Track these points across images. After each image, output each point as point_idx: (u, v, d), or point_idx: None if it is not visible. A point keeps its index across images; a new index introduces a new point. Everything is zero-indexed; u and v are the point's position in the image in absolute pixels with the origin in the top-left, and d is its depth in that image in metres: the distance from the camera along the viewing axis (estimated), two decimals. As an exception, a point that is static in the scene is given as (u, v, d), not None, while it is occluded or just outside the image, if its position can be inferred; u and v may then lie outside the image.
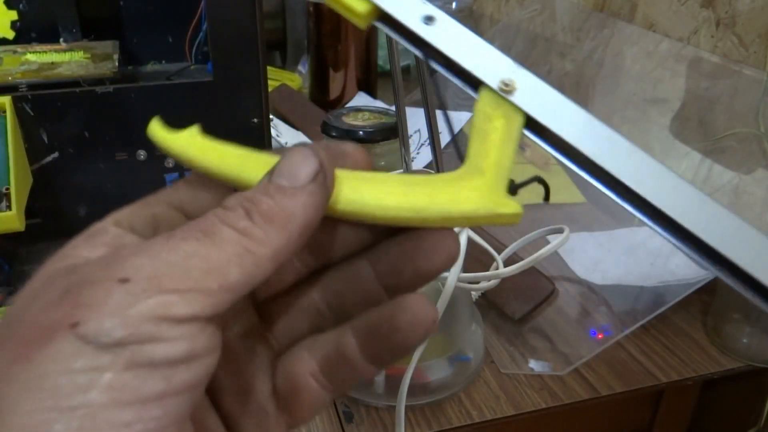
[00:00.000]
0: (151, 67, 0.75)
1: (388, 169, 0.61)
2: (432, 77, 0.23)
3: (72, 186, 0.65)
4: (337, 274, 0.22)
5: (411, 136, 0.81)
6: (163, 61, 0.76)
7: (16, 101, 0.60)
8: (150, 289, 0.15)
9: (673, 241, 0.19)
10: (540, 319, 0.62)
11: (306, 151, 0.18)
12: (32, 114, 0.61)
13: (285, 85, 1.09)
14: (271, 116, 0.76)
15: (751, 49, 0.71)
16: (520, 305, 0.62)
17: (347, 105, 1.04)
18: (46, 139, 0.63)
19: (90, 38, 0.71)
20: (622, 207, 0.20)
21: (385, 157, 0.65)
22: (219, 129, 0.75)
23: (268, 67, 0.68)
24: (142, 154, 0.66)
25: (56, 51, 0.67)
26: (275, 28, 1.17)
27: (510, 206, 0.20)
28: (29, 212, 0.60)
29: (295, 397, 0.21)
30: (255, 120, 0.68)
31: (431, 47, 0.21)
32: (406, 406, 0.48)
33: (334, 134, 0.64)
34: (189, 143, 0.20)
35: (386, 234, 0.21)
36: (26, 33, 0.70)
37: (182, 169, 0.68)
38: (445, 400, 0.53)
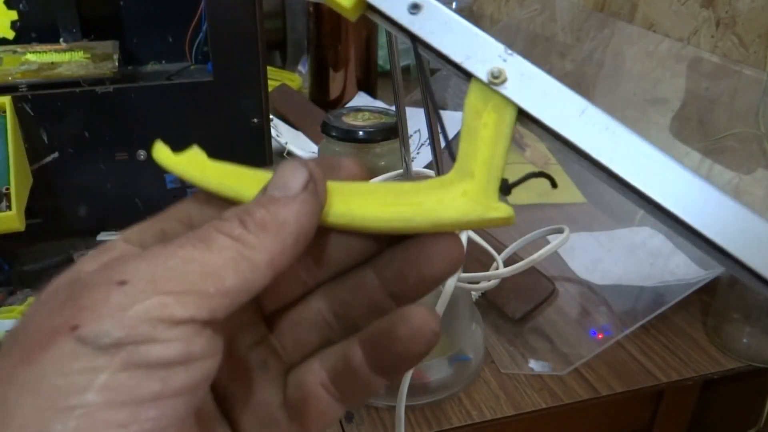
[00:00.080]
0: (151, 67, 0.75)
1: (388, 169, 0.61)
2: (424, 75, 0.22)
3: (72, 186, 0.65)
4: (343, 284, 0.22)
5: (411, 136, 0.81)
6: (163, 61, 0.76)
7: (16, 101, 0.60)
8: (147, 290, 0.16)
9: (681, 234, 0.18)
10: (540, 319, 0.62)
11: (296, 164, 0.19)
12: (32, 114, 0.61)
13: (285, 85, 1.09)
14: (271, 116, 0.76)
15: (751, 49, 0.71)
16: (520, 305, 0.62)
17: (347, 105, 1.04)
18: (46, 139, 0.63)
19: (90, 38, 0.71)
20: (623, 203, 0.19)
21: (385, 157, 0.65)
22: (219, 129, 0.76)
23: (268, 67, 0.68)
24: (142, 154, 0.66)
25: (56, 51, 0.67)
26: (275, 28, 1.17)
27: (500, 210, 0.19)
28: (29, 212, 0.60)
29: (305, 407, 0.21)
30: (255, 120, 0.68)
31: (419, 38, 0.20)
32: (406, 406, 0.48)
33: (334, 134, 0.64)
34: (191, 164, 0.21)
35: (390, 242, 0.21)
36: (26, 33, 0.70)
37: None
38: (445, 400, 0.53)
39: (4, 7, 0.68)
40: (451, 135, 0.22)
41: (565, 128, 0.19)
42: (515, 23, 1.06)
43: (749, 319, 0.59)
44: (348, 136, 0.64)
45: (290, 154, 0.86)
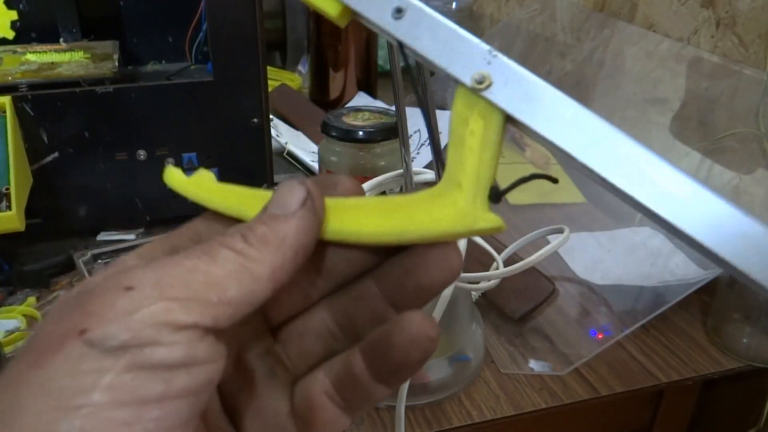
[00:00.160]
0: (151, 67, 0.75)
1: (388, 169, 0.61)
2: (417, 76, 0.22)
3: (72, 186, 0.65)
4: (346, 295, 0.22)
5: (411, 136, 0.81)
6: (163, 61, 0.76)
7: (16, 101, 0.60)
8: (153, 296, 0.17)
9: (675, 235, 0.18)
10: (540, 319, 0.62)
11: (294, 183, 0.20)
12: (32, 114, 0.61)
13: (285, 85, 1.09)
14: (271, 116, 0.76)
15: (751, 49, 0.71)
16: (520, 305, 0.62)
17: (347, 105, 1.04)
18: (46, 139, 0.63)
19: (90, 38, 0.71)
20: (623, 202, 0.19)
21: (385, 157, 0.65)
22: (219, 129, 0.76)
23: (268, 67, 0.68)
24: (142, 154, 0.66)
25: (56, 51, 0.67)
26: (275, 28, 1.17)
27: (488, 220, 0.19)
28: (29, 212, 0.60)
29: (311, 417, 0.22)
30: (255, 120, 0.68)
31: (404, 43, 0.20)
32: (406, 406, 0.48)
33: (334, 134, 0.64)
34: (199, 186, 0.22)
35: (391, 252, 0.21)
36: (26, 33, 0.70)
37: (182, 169, 0.68)
38: (445, 400, 0.53)
39: (4, 7, 0.68)
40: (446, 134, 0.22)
41: (551, 132, 0.18)
42: (515, 23, 1.06)
43: (749, 319, 0.59)
44: (348, 136, 0.64)
45: (290, 154, 0.86)
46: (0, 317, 0.58)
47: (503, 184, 0.20)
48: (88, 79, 0.63)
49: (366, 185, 0.56)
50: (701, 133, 0.73)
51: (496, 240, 0.67)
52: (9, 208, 0.56)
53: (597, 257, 0.69)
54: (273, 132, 0.80)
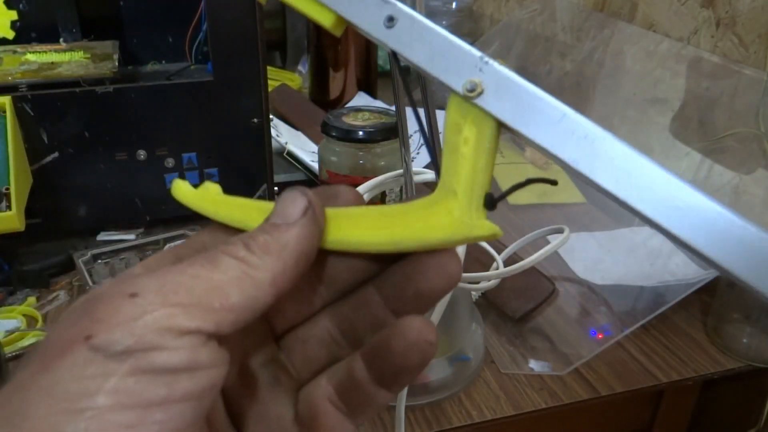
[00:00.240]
0: (151, 67, 0.75)
1: (388, 169, 0.61)
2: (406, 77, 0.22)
3: (72, 186, 0.65)
4: (347, 302, 0.23)
5: (411, 136, 0.81)
6: (163, 61, 0.76)
7: (16, 101, 0.60)
8: (156, 302, 0.17)
9: (668, 239, 0.18)
10: (540, 319, 0.62)
11: (295, 193, 0.20)
12: (32, 114, 0.61)
13: (285, 85, 1.09)
14: (271, 116, 0.76)
15: (751, 49, 0.71)
16: (520, 305, 0.62)
17: (347, 105, 1.04)
18: (46, 139, 0.63)
19: (90, 38, 0.71)
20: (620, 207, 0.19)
21: (385, 157, 0.65)
22: (219, 129, 0.76)
23: (268, 67, 0.68)
24: (142, 154, 0.66)
25: (56, 51, 0.67)
26: (275, 28, 1.17)
27: (484, 228, 0.19)
28: (29, 212, 0.60)
29: (315, 423, 0.22)
30: (255, 120, 0.68)
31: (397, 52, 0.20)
32: (406, 406, 0.48)
33: (334, 134, 0.64)
34: (204, 199, 0.23)
35: (391, 260, 0.21)
36: (26, 33, 0.70)
37: (182, 169, 0.68)
38: (445, 400, 0.53)
39: (4, 7, 0.68)
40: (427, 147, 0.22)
41: (543, 138, 0.18)
42: (515, 23, 1.06)
43: (749, 319, 0.59)
44: (348, 136, 0.64)
45: (290, 154, 0.86)
46: (0, 317, 0.58)
47: (504, 184, 0.20)
48: (88, 79, 0.63)
49: (366, 185, 0.56)
50: (701, 133, 0.73)
51: (496, 240, 0.67)
52: (9, 208, 0.56)
53: (597, 257, 0.69)
54: (273, 132, 0.80)
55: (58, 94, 0.62)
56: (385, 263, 0.22)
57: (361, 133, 0.64)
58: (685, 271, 0.60)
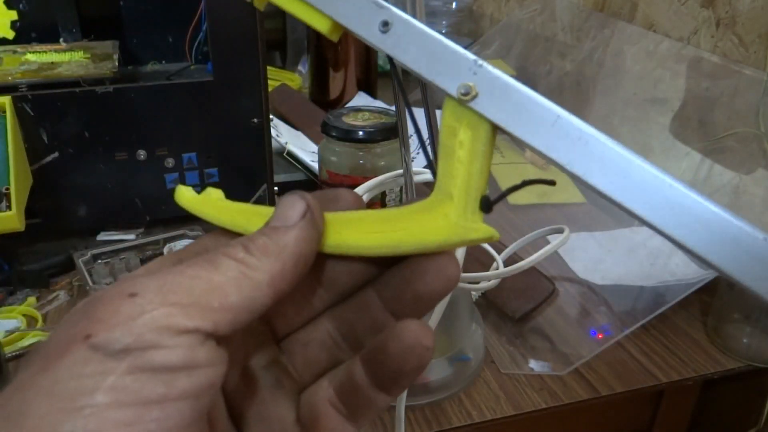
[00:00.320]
0: (151, 67, 0.75)
1: (388, 169, 0.61)
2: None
3: (72, 186, 0.65)
4: (348, 304, 0.23)
5: (411, 136, 0.81)
6: (163, 61, 0.76)
7: (16, 101, 0.60)
8: (155, 301, 0.17)
9: (667, 239, 0.18)
10: (540, 319, 0.62)
11: (294, 197, 0.21)
12: (32, 114, 0.61)
13: (285, 85, 1.09)
14: (271, 116, 0.76)
15: (751, 49, 0.71)
16: (520, 305, 0.62)
17: (347, 105, 1.04)
18: (46, 139, 0.63)
19: (90, 38, 0.71)
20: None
21: (385, 157, 0.65)
22: (219, 129, 0.76)
23: (268, 67, 0.68)
24: (142, 154, 0.66)
25: (56, 51, 0.67)
26: (275, 28, 1.17)
27: (480, 231, 0.20)
28: (29, 212, 0.60)
29: (316, 425, 0.22)
30: (255, 120, 0.68)
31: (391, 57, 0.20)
32: (406, 406, 0.48)
33: (334, 134, 0.64)
34: (206, 204, 0.23)
35: (391, 263, 0.22)
36: (26, 33, 0.70)
37: (182, 169, 0.68)
38: (445, 400, 0.53)
39: (4, 7, 0.68)
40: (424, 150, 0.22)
41: (538, 140, 0.18)
42: (515, 23, 1.06)
43: (749, 319, 0.59)
44: (348, 136, 0.64)
45: (290, 154, 0.86)
46: (0, 317, 0.58)
47: (504, 184, 0.20)
48: (88, 79, 0.63)
49: (366, 185, 0.56)
50: (701, 133, 0.73)
51: (497, 241, 0.66)
52: (9, 208, 0.56)
53: (597, 257, 0.69)
54: (273, 132, 0.80)
55: (58, 94, 0.62)
56: (385, 266, 0.22)
57: (361, 133, 0.64)
58: (685, 271, 0.60)
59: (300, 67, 1.22)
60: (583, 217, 0.78)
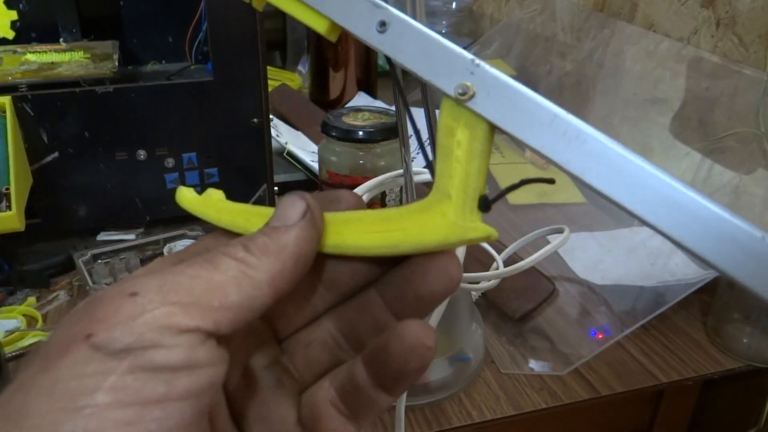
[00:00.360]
0: (151, 67, 0.75)
1: (388, 169, 0.61)
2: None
3: (72, 186, 0.65)
4: (350, 305, 0.23)
5: (411, 136, 0.81)
6: (163, 61, 0.76)
7: (16, 101, 0.60)
8: (156, 301, 0.17)
9: (665, 237, 0.18)
10: (540, 319, 0.62)
11: (294, 197, 0.21)
12: (32, 114, 0.61)
13: (285, 85, 1.09)
14: (271, 116, 0.76)
15: (751, 49, 0.71)
16: (520, 305, 0.62)
17: (347, 105, 1.04)
18: (46, 139, 0.63)
19: (90, 38, 0.71)
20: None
21: (385, 157, 0.65)
22: (219, 129, 0.76)
23: (268, 67, 0.68)
24: (142, 154, 0.66)
25: (56, 51, 0.67)
26: (275, 28, 1.17)
27: (478, 230, 0.20)
28: (29, 212, 0.60)
29: (317, 425, 0.22)
30: (255, 120, 0.68)
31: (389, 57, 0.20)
32: (406, 406, 0.48)
33: (334, 134, 0.64)
34: (207, 205, 0.24)
35: (393, 263, 0.22)
36: (26, 33, 0.70)
37: (182, 169, 0.68)
38: (445, 400, 0.53)
39: (4, 7, 0.68)
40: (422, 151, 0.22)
41: (535, 140, 0.18)
42: (515, 23, 1.06)
43: (749, 319, 0.59)
44: (348, 136, 0.64)
45: (290, 154, 0.86)
46: (0, 317, 0.58)
47: (504, 184, 0.20)
48: (88, 79, 0.63)
49: (366, 185, 0.56)
50: (701, 133, 0.73)
51: (497, 240, 0.66)
52: (9, 208, 0.56)
53: (597, 257, 0.69)
54: (273, 132, 0.80)
55: (58, 94, 0.62)
56: (387, 266, 0.22)
57: (361, 133, 0.64)
58: (685, 271, 0.60)
59: (300, 67, 1.22)
60: (583, 217, 0.78)
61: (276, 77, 1.14)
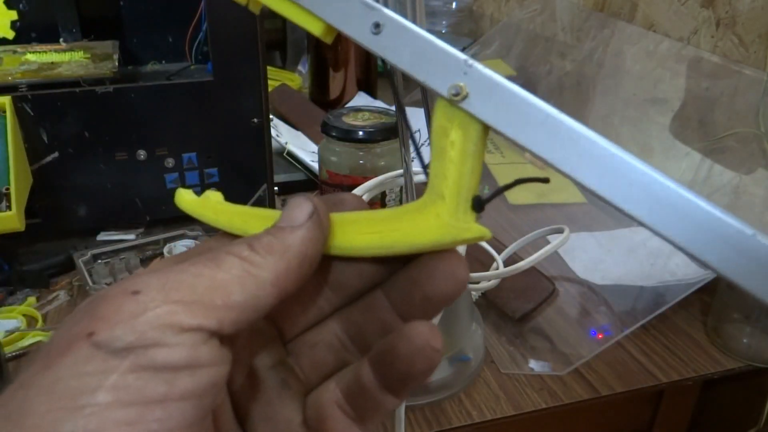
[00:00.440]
0: (151, 67, 0.75)
1: (388, 169, 0.61)
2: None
3: (72, 186, 0.65)
4: (356, 306, 0.23)
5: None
6: (163, 61, 0.76)
7: (16, 101, 0.60)
8: (158, 299, 0.17)
9: (657, 235, 0.18)
10: (540, 319, 0.62)
11: (301, 199, 0.21)
12: (32, 114, 0.61)
13: (285, 85, 1.09)
14: (271, 116, 0.76)
15: (751, 49, 0.71)
16: (520, 305, 0.62)
17: (347, 105, 1.04)
18: (46, 139, 0.63)
19: (90, 38, 0.71)
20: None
21: (385, 157, 0.65)
22: (219, 129, 0.76)
23: (268, 67, 0.68)
24: (142, 154, 0.66)
25: (56, 51, 0.67)
26: (275, 28, 1.17)
27: (472, 230, 0.20)
28: (29, 212, 0.60)
29: (322, 426, 0.22)
30: (255, 120, 0.68)
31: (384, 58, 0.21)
32: (406, 406, 0.48)
33: (334, 134, 0.64)
34: (205, 207, 0.24)
35: (400, 264, 0.21)
36: (26, 33, 0.70)
37: (182, 169, 0.68)
38: (445, 400, 0.53)
39: (4, 7, 0.68)
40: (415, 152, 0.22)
41: (528, 139, 0.18)
42: (515, 23, 1.06)
43: (749, 319, 0.59)
44: (348, 136, 0.64)
45: (290, 154, 0.86)
46: (0, 317, 0.58)
47: (504, 183, 0.20)
48: (88, 79, 0.63)
49: (366, 185, 0.56)
50: (701, 133, 0.73)
51: (496, 240, 0.67)
52: (9, 208, 0.56)
53: (597, 257, 0.69)
54: (273, 132, 0.80)
55: (58, 94, 0.62)
56: (394, 268, 0.22)
57: (361, 133, 0.64)
58: (685, 271, 0.60)
59: (300, 67, 1.22)
60: (583, 217, 0.78)
61: (276, 77, 1.14)
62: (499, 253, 0.61)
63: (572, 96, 0.93)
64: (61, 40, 0.70)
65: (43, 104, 0.61)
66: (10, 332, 0.56)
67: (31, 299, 0.62)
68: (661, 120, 0.78)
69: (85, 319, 0.17)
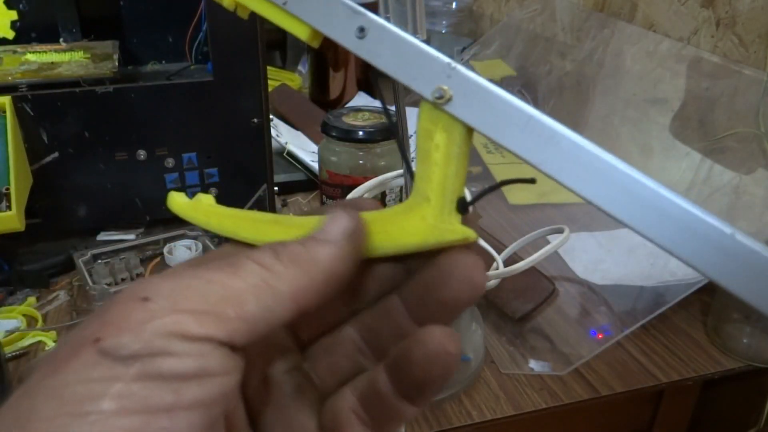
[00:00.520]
0: (151, 67, 0.75)
1: (388, 169, 0.61)
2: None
3: (72, 186, 0.65)
4: (372, 311, 0.22)
5: (411, 136, 0.81)
6: (163, 61, 0.76)
7: (16, 101, 0.60)
8: (166, 307, 0.17)
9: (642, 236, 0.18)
10: (540, 319, 0.62)
11: (341, 213, 0.20)
12: (32, 114, 0.61)
13: (285, 85, 1.09)
14: (271, 116, 0.76)
15: (751, 49, 0.71)
16: (520, 305, 0.62)
17: (347, 105, 1.04)
18: (46, 139, 0.63)
19: (90, 38, 0.71)
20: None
21: (385, 157, 0.65)
22: (219, 129, 0.76)
23: (268, 67, 0.68)
24: (142, 154, 0.66)
25: (56, 51, 0.67)
26: (275, 28, 1.17)
27: (457, 232, 0.20)
28: (29, 212, 0.60)
29: None
30: (255, 120, 0.68)
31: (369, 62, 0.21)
32: (406, 406, 0.48)
33: (334, 134, 0.64)
34: (196, 210, 0.24)
35: (417, 267, 0.21)
36: (26, 33, 0.70)
37: (182, 169, 0.68)
38: (445, 400, 0.53)
39: (4, 7, 0.68)
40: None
41: (511, 141, 0.19)
42: (515, 23, 1.06)
43: (749, 319, 0.59)
44: (348, 136, 0.64)
45: (290, 154, 0.86)
46: (0, 317, 0.58)
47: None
48: (88, 79, 0.63)
49: (366, 185, 0.56)
50: (701, 133, 0.73)
51: (496, 240, 0.67)
52: (9, 208, 0.56)
53: (597, 257, 0.69)
54: (273, 132, 0.80)
55: (58, 94, 0.62)
56: (410, 271, 0.21)
57: (361, 133, 0.64)
58: (685, 271, 0.60)
59: (300, 67, 1.22)
60: (583, 217, 0.78)
61: (276, 77, 1.14)
62: (499, 253, 0.61)
63: (572, 96, 0.93)
64: (61, 40, 0.70)
65: (43, 104, 0.61)
66: (10, 332, 0.56)
67: (31, 299, 0.62)
68: (661, 120, 0.78)
69: (95, 323, 0.17)
